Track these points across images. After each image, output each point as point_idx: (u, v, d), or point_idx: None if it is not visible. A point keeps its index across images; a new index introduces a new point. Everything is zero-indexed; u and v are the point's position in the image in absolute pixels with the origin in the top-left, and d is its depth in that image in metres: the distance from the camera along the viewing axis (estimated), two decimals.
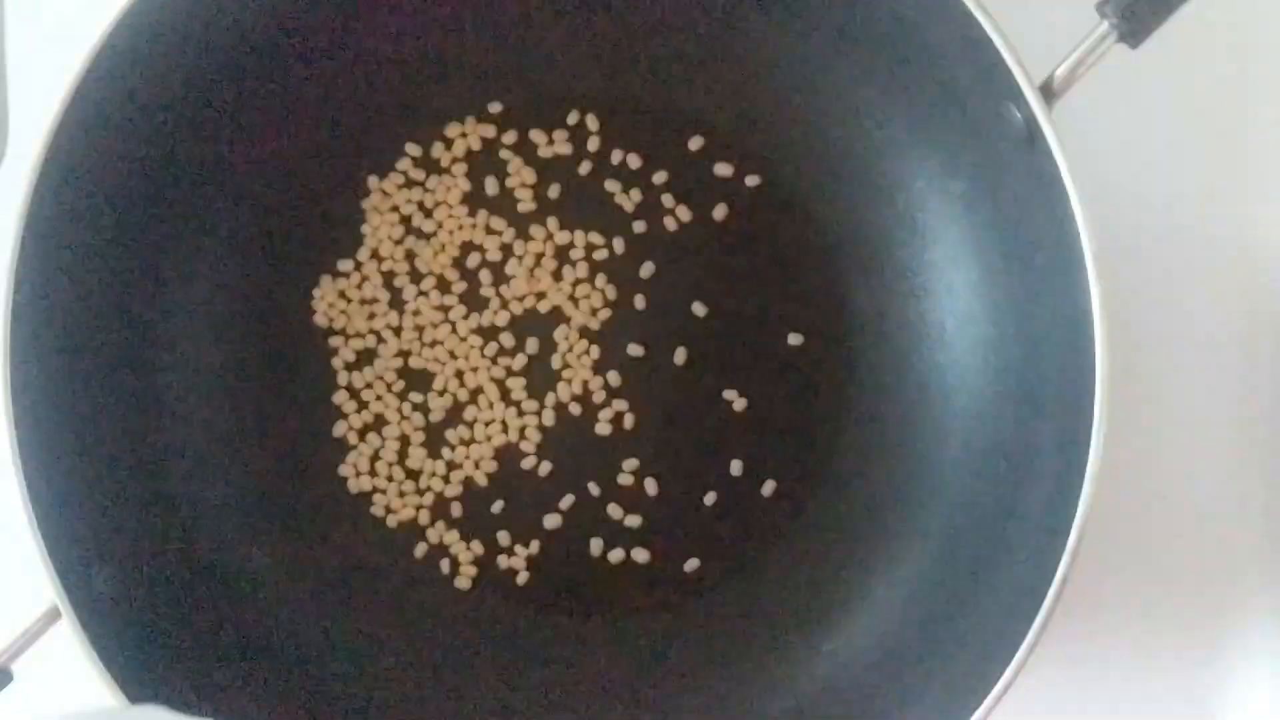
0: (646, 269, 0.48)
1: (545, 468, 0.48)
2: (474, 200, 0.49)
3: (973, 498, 0.45)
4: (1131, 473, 0.47)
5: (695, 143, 0.49)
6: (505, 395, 0.48)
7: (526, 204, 0.49)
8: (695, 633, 0.47)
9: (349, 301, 0.49)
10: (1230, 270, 0.49)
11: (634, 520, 0.47)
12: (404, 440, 0.48)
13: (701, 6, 0.47)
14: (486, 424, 0.48)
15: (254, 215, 0.48)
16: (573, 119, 0.49)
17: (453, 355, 0.48)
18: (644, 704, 0.47)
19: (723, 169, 0.49)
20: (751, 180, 0.49)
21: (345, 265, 0.49)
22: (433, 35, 0.48)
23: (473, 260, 0.49)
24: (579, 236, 0.48)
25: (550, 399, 0.48)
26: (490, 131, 0.49)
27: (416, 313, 0.48)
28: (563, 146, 0.49)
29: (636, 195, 0.49)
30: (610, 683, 0.47)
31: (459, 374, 0.48)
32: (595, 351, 0.48)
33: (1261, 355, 0.49)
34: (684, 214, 0.48)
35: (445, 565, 0.48)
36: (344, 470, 0.48)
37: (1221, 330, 0.49)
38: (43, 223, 0.41)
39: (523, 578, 0.48)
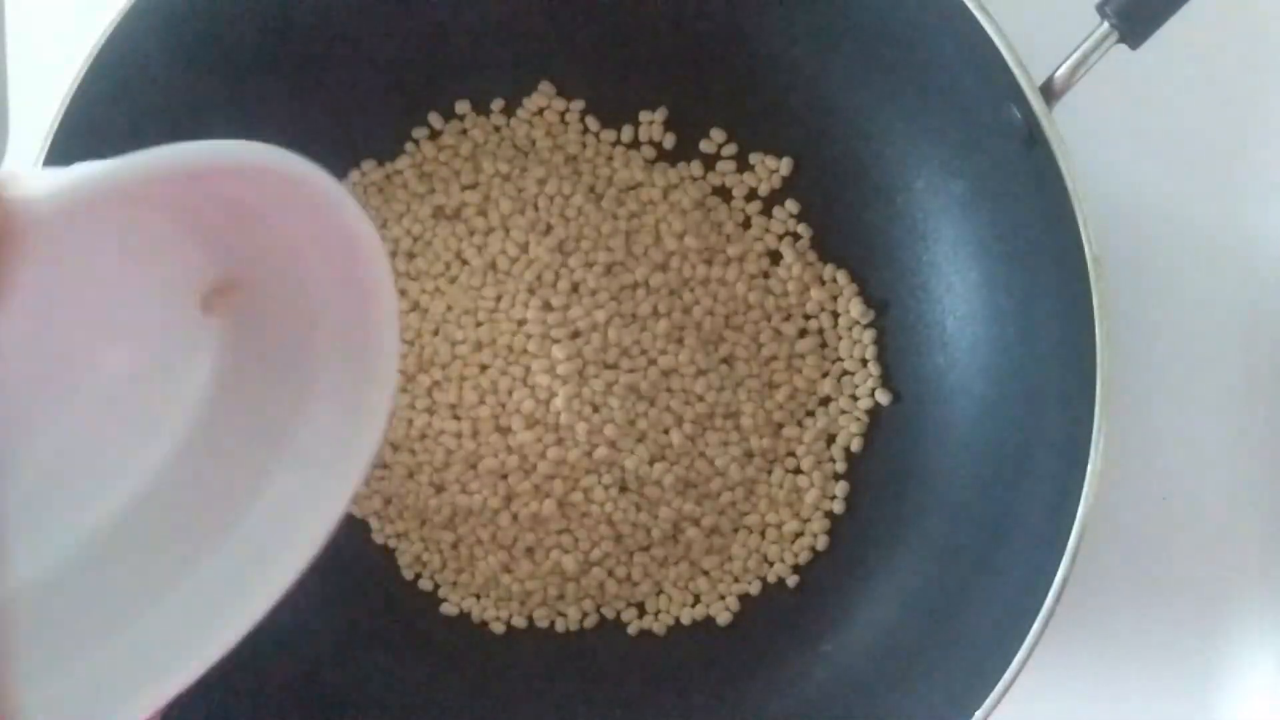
0: (646, 268, 0.48)
1: (544, 467, 0.48)
2: (474, 201, 0.49)
3: (973, 498, 0.45)
4: (1131, 473, 0.47)
5: (697, 144, 0.49)
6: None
7: (529, 204, 0.49)
8: (696, 635, 0.47)
9: None
10: (1230, 269, 0.49)
11: (624, 526, 0.48)
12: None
13: (702, 8, 0.47)
14: (490, 441, 0.48)
15: None
16: (574, 119, 0.49)
17: (454, 357, 0.48)
18: (646, 707, 0.47)
19: (724, 168, 0.49)
20: (752, 181, 0.49)
21: None
22: (433, 34, 0.48)
23: (475, 262, 0.49)
24: (581, 242, 0.48)
25: (544, 408, 0.48)
26: (491, 130, 0.49)
27: (419, 310, 0.48)
28: (569, 145, 0.49)
29: (635, 195, 0.49)
30: (611, 685, 0.47)
31: (462, 379, 0.48)
32: (590, 354, 0.48)
33: (1261, 355, 0.49)
34: (683, 216, 0.48)
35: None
36: None
37: (1221, 330, 0.49)
38: None
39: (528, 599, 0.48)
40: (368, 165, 0.49)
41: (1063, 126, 0.39)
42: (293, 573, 0.32)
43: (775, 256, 0.49)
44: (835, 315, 0.48)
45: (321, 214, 0.30)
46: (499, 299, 0.48)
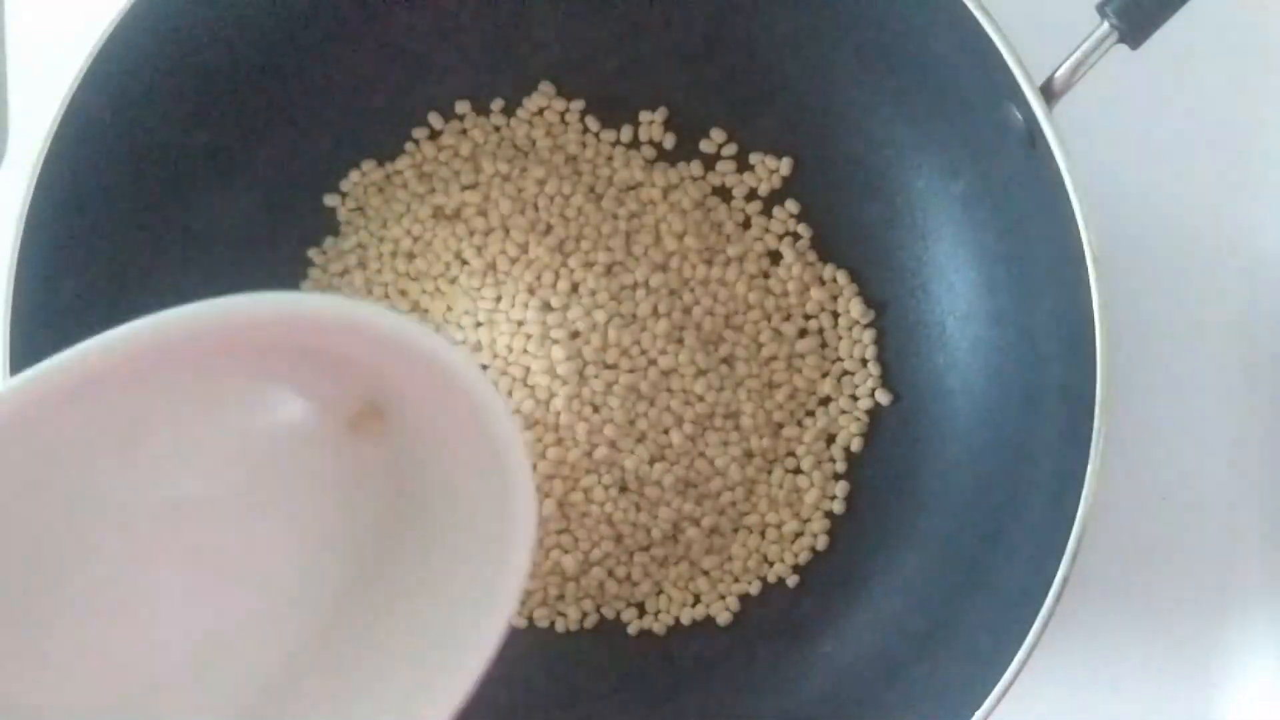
0: (645, 268, 0.48)
1: (544, 467, 0.48)
2: (474, 201, 0.49)
3: (973, 498, 0.45)
4: (1131, 472, 0.47)
5: (697, 144, 0.49)
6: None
7: (529, 204, 0.49)
8: (696, 635, 0.47)
9: None
10: (1230, 270, 0.49)
11: (624, 526, 0.48)
12: None
13: (702, 7, 0.47)
14: None
15: (252, 216, 0.48)
16: (574, 119, 0.49)
17: None
18: (646, 707, 0.47)
19: (724, 168, 0.49)
20: (752, 181, 0.49)
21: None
22: (432, 34, 0.48)
23: (475, 263, 0.49)
24: (581, 242, 0.48)
25: (544, 408, 0.48)
26: (490, 129, 0.49)
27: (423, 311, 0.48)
28: (569, 145, 0.49)
29: (635, 195, 0.49)
30: (611, 685, 0.47)
31: None
32: (589, 355, 0.48)
33: (1261, 355, 0.49)
34: (683, 216, 0.48)
35: None
36: None
37: (1221, 330, 0.49)
38: (43, 223, 0.41)
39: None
40: (368, 165, 0.49)
41: (1063, 126, 0.39)
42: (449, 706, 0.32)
43: (775, 256, 0.49)
44: (835, 315, 0.48)
45: (417, 364, 0.29)
46: (498, 300, 0.48)
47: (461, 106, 0.49)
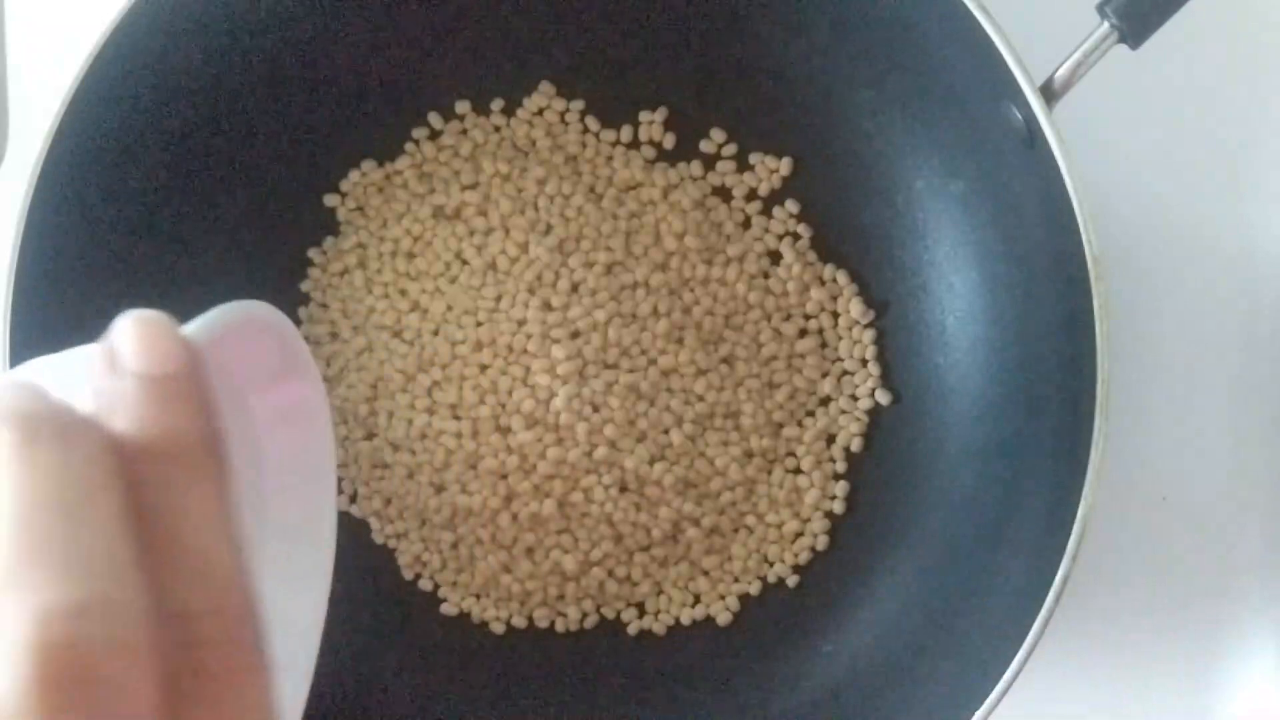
0: (646, 268, 0.48)
1: (544, 467, 0.48)
2: (474, 201, 0.49)
3: (973, 498, 0.45)
4: (1131, 473, 0.47)
5: (697, 144, 0.49)
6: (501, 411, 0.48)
7: (529, 204, 0.49)
8: (696, 635, 0.47)
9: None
10: (1230, 270, 0.49)
11: (624, 526, 0.48)
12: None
13: (702, 7, 0.47)
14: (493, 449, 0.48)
15: (252, 216, 0.47)
16: (574, 119, 0.49)
17: (454, 357, 0.48)
18: (646, 707, 0.47)
19: (724, 168, 0.49)
20: (752, 181, 0.49)
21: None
22: (432, 34, 0.48)
23: (475, 262, 0.49)
24: (581, 242, 0.48)
25: (544, 408, 0.48)
26: (491, 129, 0.49)
27: (423, 311, 0.48)
28: (569, 145, 0.49)
29: (635, 195, 0.49)
30: (611, 685, 0.47)
31: (462, 379, 0.48)
32: (590, 354, 0.48)
33: (1261, 355, 0.49)
34: (683, 216, 0.48)
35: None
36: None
37: (1221, 330, 0.49)
38: (43, 223, 0.41)
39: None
40: (368, 165, 0.49)
41: (1063, 126, 0.39)
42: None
43: (775, 256, 0.49)
44: (835, 315, 0.48)
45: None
46: (499, 299, 0.48)
47: (461, 106, 0.49)
